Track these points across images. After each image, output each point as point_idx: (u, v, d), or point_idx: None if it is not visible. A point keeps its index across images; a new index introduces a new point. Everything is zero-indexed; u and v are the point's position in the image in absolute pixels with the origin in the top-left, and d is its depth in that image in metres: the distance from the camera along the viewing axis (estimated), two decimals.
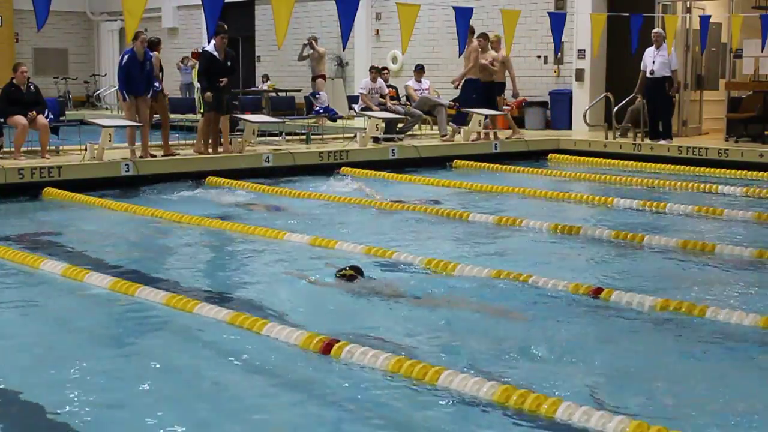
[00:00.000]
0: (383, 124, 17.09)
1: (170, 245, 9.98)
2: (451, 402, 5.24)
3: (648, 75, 17.89)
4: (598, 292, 7.35)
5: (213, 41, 14.85)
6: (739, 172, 15.42)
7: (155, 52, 15.06)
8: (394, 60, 23.50)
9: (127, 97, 14.45)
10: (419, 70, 19.24)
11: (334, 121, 19.45)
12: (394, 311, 7.14)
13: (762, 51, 18.27)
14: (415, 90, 19.11)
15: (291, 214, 11.59)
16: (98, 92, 30.28)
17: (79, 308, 7.45)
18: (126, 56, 14.46)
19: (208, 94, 15.02)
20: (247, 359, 6.07)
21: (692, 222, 11.24)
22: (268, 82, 23.99)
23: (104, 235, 10.33)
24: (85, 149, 14.32)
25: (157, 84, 14.97)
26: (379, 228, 10.77)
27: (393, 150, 16.81)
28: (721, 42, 21.05)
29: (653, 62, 17.75)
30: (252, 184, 13.86)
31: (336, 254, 8.97)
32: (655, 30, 18.17)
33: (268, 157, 15.42)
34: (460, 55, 16.52)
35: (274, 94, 21.10)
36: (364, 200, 12.43)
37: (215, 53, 14.97)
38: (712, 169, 15.85)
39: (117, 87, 15.40)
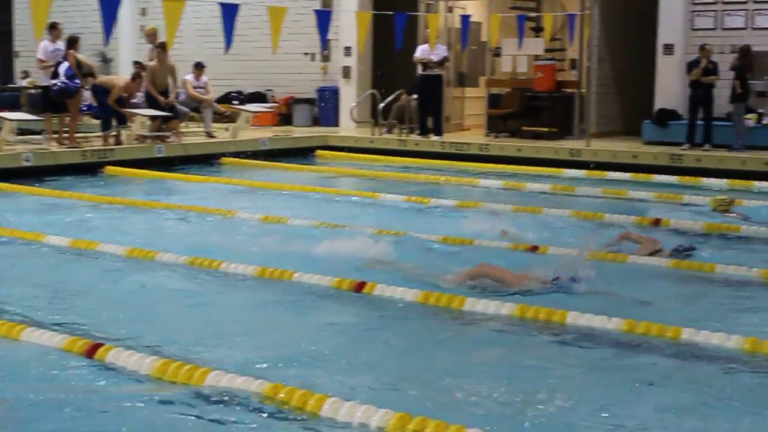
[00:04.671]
0: (149, 122, 16.76)
1: None
2: (203, 401, 5.21)
3: (421, 72, 18.37)
4: (361, 286, 7.46)
5: None
6: (499, 165, 16.02)
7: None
8: None
9: None
10: (199, 68, 18.90)
11: (98, 119, 18.88)
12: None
13: (519, 49, 19.05)
14: (194, 86, 18.78)
15: None
16: None
17: None
18: None
19: None
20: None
21: (454, 215, 11.58)
22: (28, 79, 23.05)
23: None
24: None
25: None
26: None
27: (159, 148, 16.50)
28: (482, 41, 21.79)
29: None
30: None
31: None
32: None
33: (28, 157, 14.82)
34: (226, 51, 16.38)
35: (33, 91, 20.29)
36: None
37: None
38: (474, 164, 16.39)
39: None
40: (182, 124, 18.25)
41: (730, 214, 11.45)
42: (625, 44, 19.81)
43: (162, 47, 16.86)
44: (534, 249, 9.12)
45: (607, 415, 5.12)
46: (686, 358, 6.09)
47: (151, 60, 17.65)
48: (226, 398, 5.21)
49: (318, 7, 20.45)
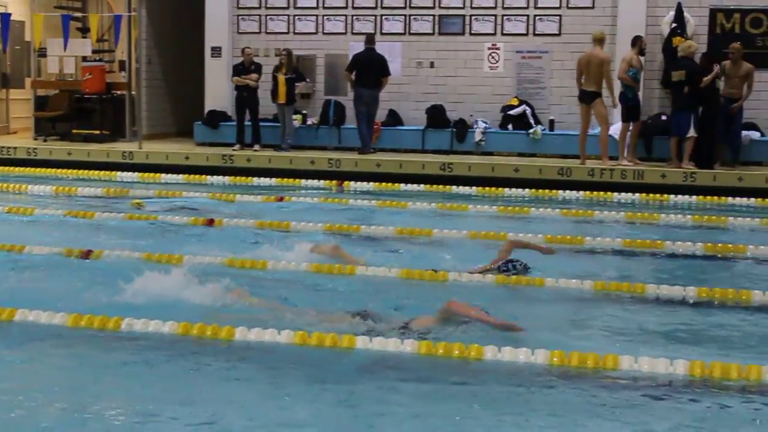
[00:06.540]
0: None
1: None
2: None
3: None
4: None
5: None
6: (49, 170, 15.60)
7: None
8: None
9: None
10: None
11: None
12: None
13: (65, 50, 18.60)
14: None
15: None
16: None
17: None
18: None
19: None
20: None
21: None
22: None
23: None
24: None
25: None
26: None
27: None
28: (26, 40, 21.00)
29: None
30: None
31: None
32: None
33: None
34: None
35: None
36: None
37: None
38: (22, 169, 15.84)
39: None
40: None
41: (144, 208, 12.19)
42: (175, 46, 19.96)
43: None
44: (88, 254, 8.99)
45: None
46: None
47: None
48: None
49: None
